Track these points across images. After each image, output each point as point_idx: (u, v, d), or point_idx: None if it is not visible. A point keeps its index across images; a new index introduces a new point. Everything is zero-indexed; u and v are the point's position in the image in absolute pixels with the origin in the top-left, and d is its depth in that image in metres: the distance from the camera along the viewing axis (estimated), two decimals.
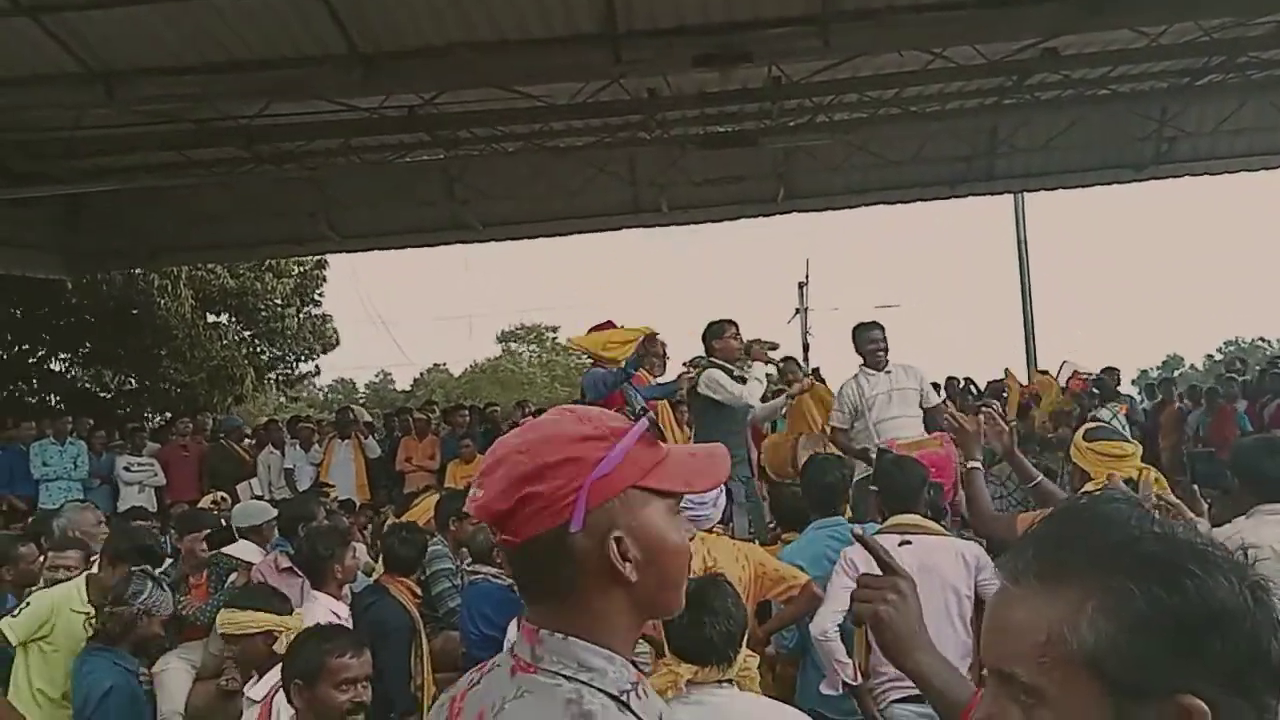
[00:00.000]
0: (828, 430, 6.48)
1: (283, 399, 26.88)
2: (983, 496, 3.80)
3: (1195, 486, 4.94)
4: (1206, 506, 4.54)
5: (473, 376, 38.31)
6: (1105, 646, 0.86)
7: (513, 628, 3.08)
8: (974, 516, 3.87)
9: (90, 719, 3.66)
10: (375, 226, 12.64)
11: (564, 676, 1.08)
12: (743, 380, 5.84)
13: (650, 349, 6.39)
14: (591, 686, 1.08)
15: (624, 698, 1.09)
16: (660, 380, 6.57)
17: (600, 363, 6.54)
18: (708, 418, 5.97)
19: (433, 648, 4.66)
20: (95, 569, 4.43)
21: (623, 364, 6.30)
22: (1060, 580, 0.90)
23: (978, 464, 3.83)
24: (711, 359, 5.96)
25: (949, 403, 9.49)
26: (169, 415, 14.07)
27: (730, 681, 2.63)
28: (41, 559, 4.91)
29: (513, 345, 42.59)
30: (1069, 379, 9.95)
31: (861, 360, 6.19)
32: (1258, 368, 12.33)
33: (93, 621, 3.87)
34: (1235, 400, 10.00)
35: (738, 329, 6.11)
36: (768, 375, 6.13)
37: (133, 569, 4.01)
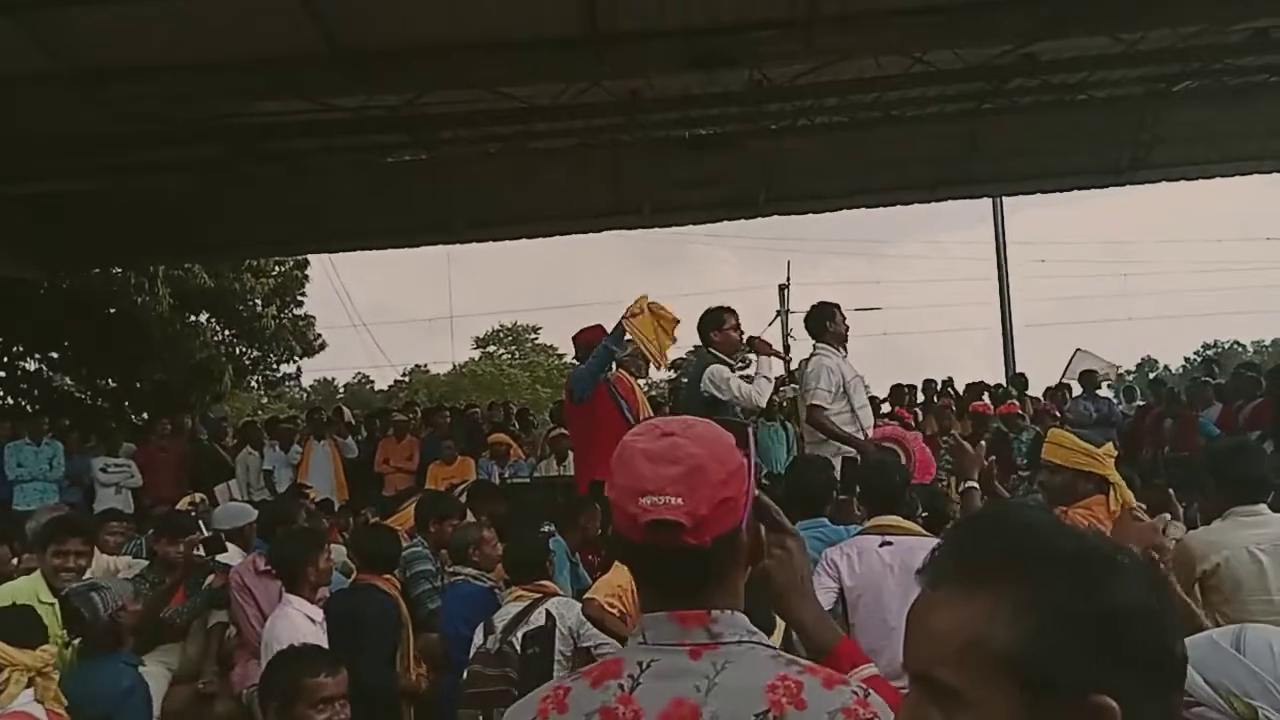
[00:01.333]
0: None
1: (264, 399, 26.73)
2: None
3: (1170, 490, 4.99)
4: (1182, 509, 4.60)
5: (454, 378, 38.20)
6: (1020, 647, 0.87)
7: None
8: None
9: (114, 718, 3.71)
10: (357, 227, 12.56)
11: (747, 643, 1.26)
12: (748, 379, 5.57)
13: (630, 351, 6.01)
14: (766, 644, 1.28)
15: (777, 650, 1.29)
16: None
17: (649, 350, 5.81)
18: (697, 413, 5.74)
19: (416, 649, 4.66)
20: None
21: (612, 351, 5.81)
22: (977, 583, 0.91)
23: (975, 484, 3.87)
24: (711, 351, 5.60)
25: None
26: (146, 415, 13.96)
27: None
28: (15, 561, 4.86)
29: (490, 349, 42.53)
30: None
31: (825, 341, 5.69)
32: (1232, 370, 12.46)
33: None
34: (1208, 404, 10.10)
35: (737, 318, 5.72)
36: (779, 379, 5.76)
37: (67, 592, 3.96)
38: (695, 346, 5.88)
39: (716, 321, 5.61)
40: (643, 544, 1.25)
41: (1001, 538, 0.94)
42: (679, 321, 5.78)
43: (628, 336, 5.77)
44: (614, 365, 6.03)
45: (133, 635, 4.02)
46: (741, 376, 5.57)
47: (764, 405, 5.81)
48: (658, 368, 6.17)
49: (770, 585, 1.54)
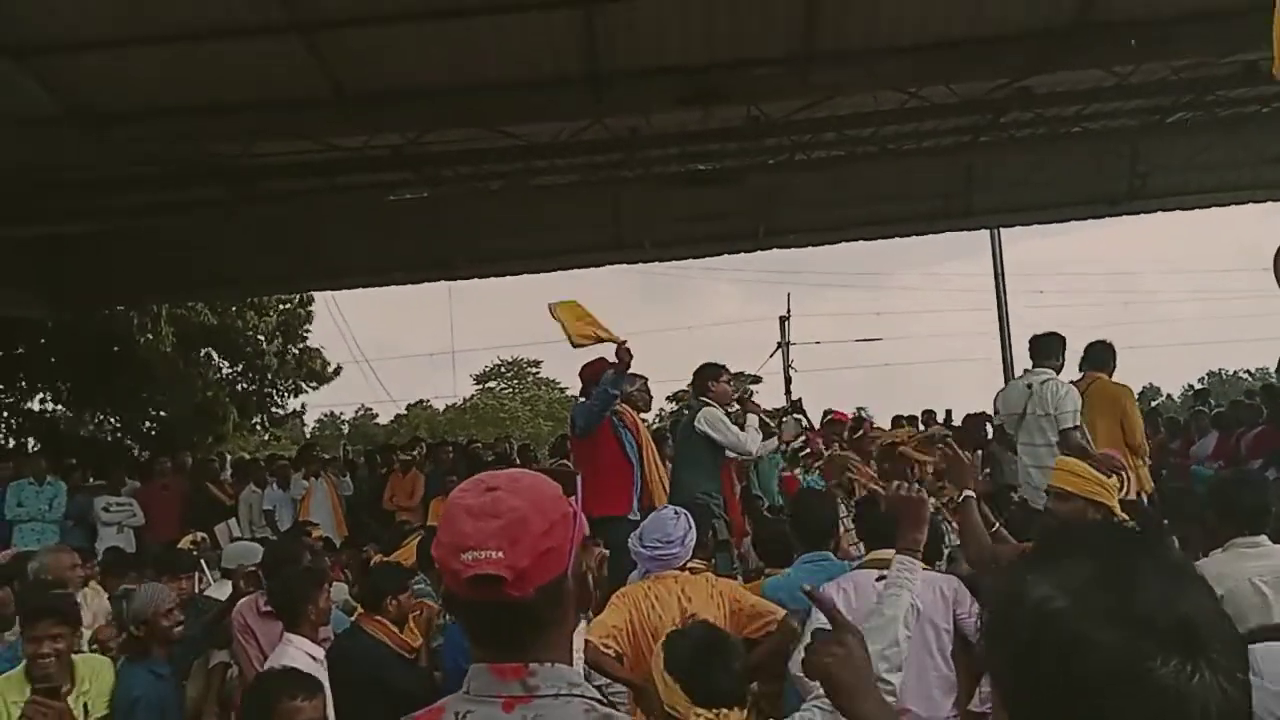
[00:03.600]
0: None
1: (267, 436, 26.72)
2: (975, 527, 3.66)
3: (1165, 522, 4.98)
4: (1178, 541, 4.58)
5: (456, 414, 38.20)
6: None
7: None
8: (968, 548, 3.80)
9: None
10: (359, 264, 12.66)
11: (564, 695, 1.26)
12: (740, 425, 5.88)
13: (641, 384, 6.26)
14: (585, 697, 1.28)
15: (606, 700, 1.31)
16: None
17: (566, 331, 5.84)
18: (691, 454, 5.90)
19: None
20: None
21: (611, 394, 5.82)
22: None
23: (972, 494, 3.73)
24: (703, 399, 5.95)
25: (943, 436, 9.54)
26: (149, 454, 13.96)
27: None
28: (14, 603, 4.84)
29: (490, 384, 42.57)
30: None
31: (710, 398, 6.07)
32: (1233, 399, 12.45)
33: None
34: (1204, 433, 10.09)
35: (729, 373, 6.17)
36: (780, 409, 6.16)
37: (121, 589, 4.01)
38: (692, 396, 6.19)
39: (714, 374, 6.06)
40: (465, 599, 1.26)
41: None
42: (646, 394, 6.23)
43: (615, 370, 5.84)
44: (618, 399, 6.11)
45: (165, 642, 4.09)
46: (735, 423, 5.92)
47: (754, 453, 6.08)
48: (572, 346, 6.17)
49: (831, 683, 1.57)
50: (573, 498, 1.34)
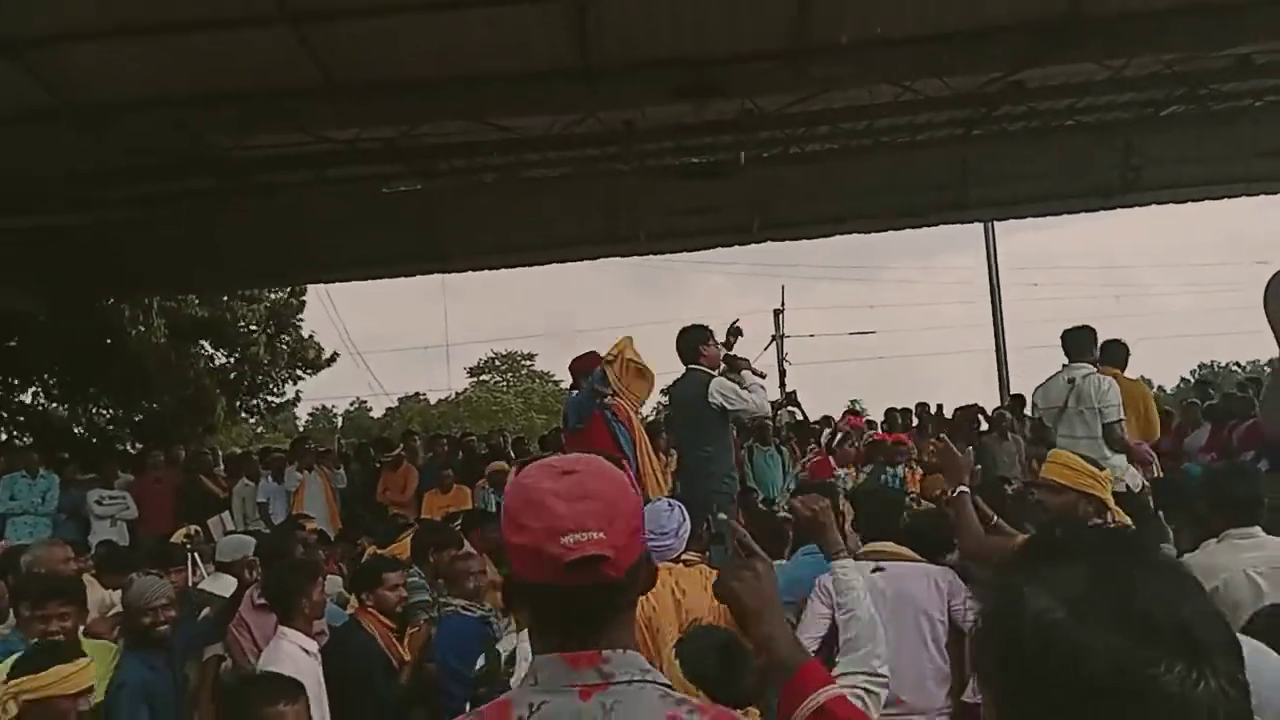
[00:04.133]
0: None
1: (260, 429, 26.67)
2: (972, 522, 3.73)
3: (1159, 513, 5.01)
4: (1172, 533, 4.61)
5: (449, 407, 38.18)
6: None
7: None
8: (963, 542, 3.83)
9: (107, 711, 3.78)
10: (351, 256, 12.63)
11: (638, 682, 1.25)
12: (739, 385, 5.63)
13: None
14: (657, 683, 1.27)
15: (671, 685, 1.30)
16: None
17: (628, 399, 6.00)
18: (708, 429, 5.63)
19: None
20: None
21: (599, 384, 5.83)
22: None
23: (965, 489, 3.80)
24: (696, 368, 5.69)
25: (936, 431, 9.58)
26: (141, 447, 13.93)
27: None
28: (8, 595, 4.83)
29: (484, 377, 42.56)
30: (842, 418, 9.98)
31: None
32: (1225, 391, 12.50)
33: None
34: (1197, 425, 10.13)
35: (713, 335, 5.87)
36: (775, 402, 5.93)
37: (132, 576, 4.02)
38: (689, 369, 5.91)
39: (702, 338, 5.75)
40: (558, 584, 1.24)
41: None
42: (648, 382, 5.95)
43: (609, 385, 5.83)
44: (612, 392, 6.06)
45: (160, 633, 4.09)
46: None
47: (770, 411, 5.88)
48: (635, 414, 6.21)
49: (738, 606, 1.60)
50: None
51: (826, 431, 8.16)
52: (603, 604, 1.27)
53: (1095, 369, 6.10)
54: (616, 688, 1.24)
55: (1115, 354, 6.75)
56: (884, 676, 2.27)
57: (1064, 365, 6.25)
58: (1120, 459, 5.82)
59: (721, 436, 5.66)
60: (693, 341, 5.73)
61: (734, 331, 6.08)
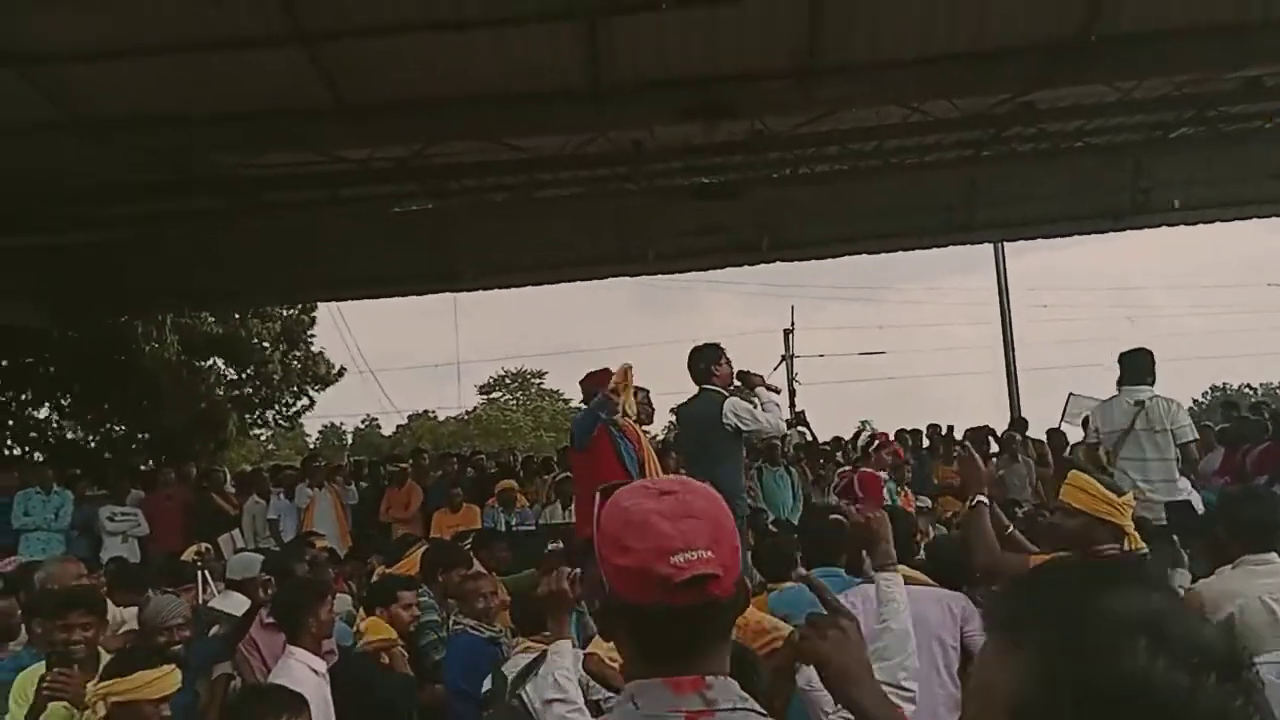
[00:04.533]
0: None
1: (271, 445, 26.73)
2: (986, 535, 3.63)
3: (1174, 537, 4.96)
4: (1185, 557, 4.56)
5: (459, 426, 38.20)
6: (1016, 702, 0.88)
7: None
8: (978, 557, 3.77)
9: None
10: (363, 275, 12.70)
11: (741, 710, 1.24)
12: (754, 405, 5.59)
13: (639, 398, 5.95)
14: (756, 711, 1.26)
15: (763, 713, 1.28)
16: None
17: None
18: (722, 449, 5.56)
19: (421, 701, 4.62)
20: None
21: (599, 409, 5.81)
22: (996, 634, 0.95)
23: (985, 500, 3.68)
24: (709, 388, 5.64)
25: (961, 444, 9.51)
26: (154, 463, 13.97)
27: None
28: (19, 612, 4.85)
29: (494, 395, 42.59)
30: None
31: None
32: (1235, 415, 12.41)
33: None
34: (1210, 449, 10.04)
35: (725, 353, 5.82)
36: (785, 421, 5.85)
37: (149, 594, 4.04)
38: (702, 389, 5.88)
39: (714, 356, 5.71)
40: (666, 605, 1.21)
41: (1026, 594, 0.96)
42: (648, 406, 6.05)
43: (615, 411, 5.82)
44: (621, 411, 6.05)
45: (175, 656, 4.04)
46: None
47: (785, 430, 5.82)
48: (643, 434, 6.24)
49: (826, 669, 1.55)
50: None
51: (864, 435, 8.12)
52: (709, 625, 1.25)
53: (1155, 391, 6.12)
54: (721, 715, 1.22)
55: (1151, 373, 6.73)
56: (911, 691, 2.24)
57: (1122, 388, 6.24)
58: (1185, 481, 5.91)
59: (733, 456, 5.60)
60: (705, 361, 5.69)
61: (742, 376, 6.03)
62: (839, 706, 3.53)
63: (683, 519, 1.23)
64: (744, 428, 5.48)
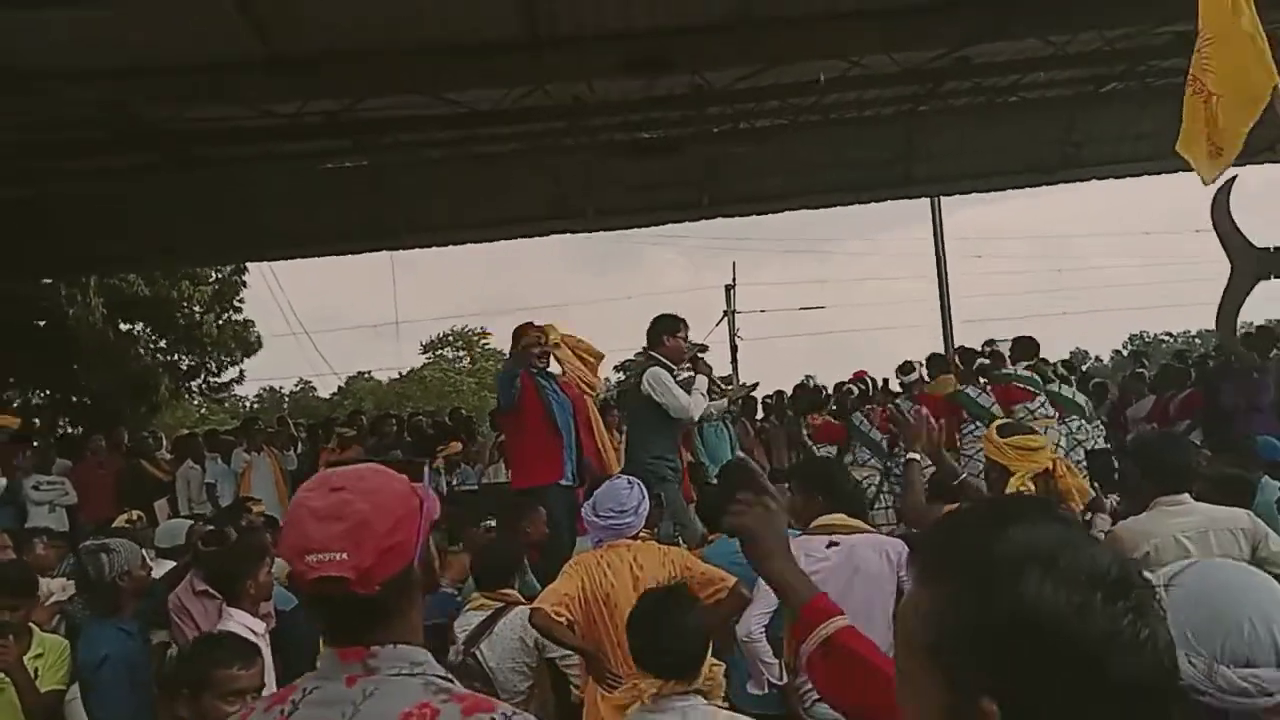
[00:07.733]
0: None
1: (204, 410, 26.13)
2: (916, 488, 3.85)
3: (1096, 484, 5.14)
4: (1109, 503, 4.73)
5: (401, 385, 37.74)
6: (938, 642, 0.92)
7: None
8: (906, 508, 3.96)
9: (90, 687, 3.74)
10: (297, 234, 12.35)
11: (404, 675, 1.34)
12: (686, 388, 5.71)
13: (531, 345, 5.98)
14: (427, 675, 1.35)
15: (450, 677, 1.38)
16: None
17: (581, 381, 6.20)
18: (641, 416, 5.81)
19: None
20: None
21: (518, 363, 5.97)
22: (922, 580, 0.97)
23: (916, 456, 3.88)
24: (653, 354, 5.75)
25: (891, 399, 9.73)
26: (81, 430, 13.56)
27: (697, 692, 2.67)
28: None
29: (441, 352, 42.09)
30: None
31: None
32: (1161, 362, 12.83)
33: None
34: (1141, 396, 10.38)
35: (688, 331, 5.93)
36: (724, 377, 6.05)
37: (74, 551, 3.98)
38: (643, 348, 5.94)
39: (671, 328, 5.78)
40: (308, 594, 1.34)
41: (938, 538, 0.99)
42: (601, 356, 6.26)
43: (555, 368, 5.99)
44: (562, 369, 6.08)
45: (134, 600, 4.12)
46: (681, 383, 5.71)
47: (696, 419, 5.97)
48: (592, 392, 6.36)
49: (753, 541, 1.62)
50: (419, 485, 1.43)
51: (849, 386, 8.46)
52: (360, 613, 1.35)
53: None
54: (381, 676, 1.34)
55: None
56: None
57: None
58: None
59: (650, 420, 5.72)
60: (661, 330, 5.78)
61: (698, 347, 6.14)
62: (777, 659, 3.61)
63: (329, 520, 1.32)
64: (655, 398, 5.61)
